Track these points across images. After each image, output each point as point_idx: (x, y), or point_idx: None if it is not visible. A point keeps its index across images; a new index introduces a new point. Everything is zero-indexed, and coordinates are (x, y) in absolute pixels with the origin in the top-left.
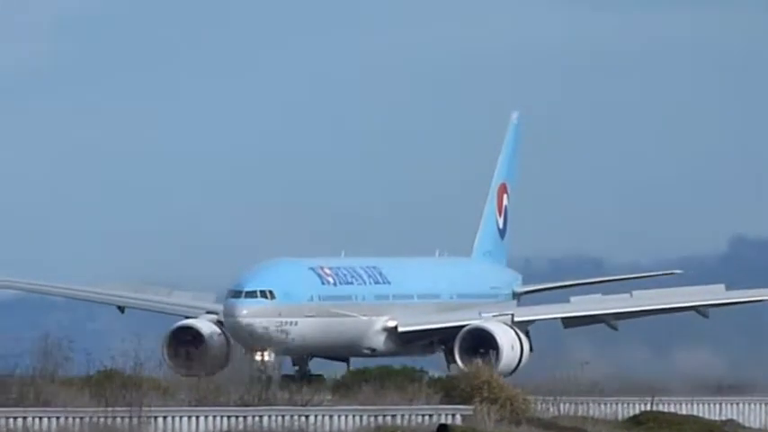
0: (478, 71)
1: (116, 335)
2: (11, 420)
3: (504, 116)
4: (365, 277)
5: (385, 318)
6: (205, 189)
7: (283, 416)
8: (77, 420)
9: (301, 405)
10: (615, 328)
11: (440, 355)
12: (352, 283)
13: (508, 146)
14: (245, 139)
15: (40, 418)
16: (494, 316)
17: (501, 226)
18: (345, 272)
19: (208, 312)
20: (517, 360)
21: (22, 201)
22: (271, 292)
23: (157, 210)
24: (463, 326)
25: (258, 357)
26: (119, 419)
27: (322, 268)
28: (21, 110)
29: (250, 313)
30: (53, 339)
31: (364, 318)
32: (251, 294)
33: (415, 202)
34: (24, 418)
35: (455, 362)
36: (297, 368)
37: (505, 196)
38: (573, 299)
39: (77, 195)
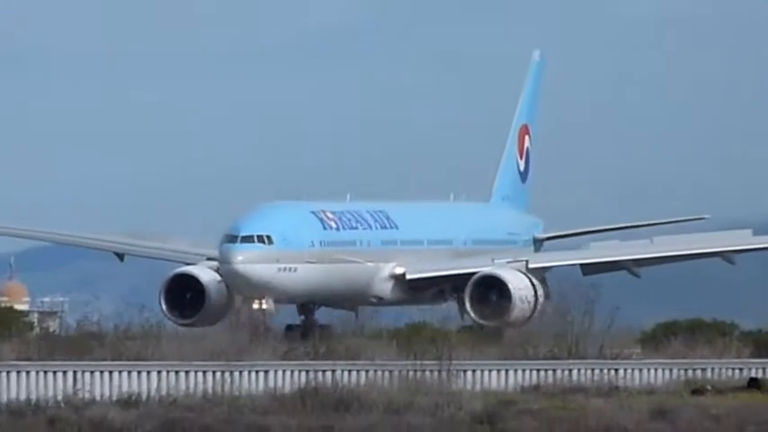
0: (499, 5)
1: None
2: (320, 374)
3: (527, 54)
4: (371, 222)
5: (392, 264)
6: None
7: (593, 369)
8: (386, 374)
9: (611, 359)
10: (637, 275)
11: (452, 304)
12: (356, 228)
13: (530, 85)
14: (245, 80)
15: (349, 371)
16: (507, 262)
17: (522, 169)
18: (350, 216)
19: (209, 259)
20: (531, 308)
21: (21, 149)
22: (268, 236)
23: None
24: (474, 273)
25: (256, 306)
26: (427, 373)
27: (324, 212)
28: None
29: (246, 259)
30: None
31: (370, 264)
32: (247, 239)
33: (430, 143)
34: (333, 371)
35: (466, 311)
36: (302, 318)
37: (527, 138)
38: (592, 244)
39: (75, 144)
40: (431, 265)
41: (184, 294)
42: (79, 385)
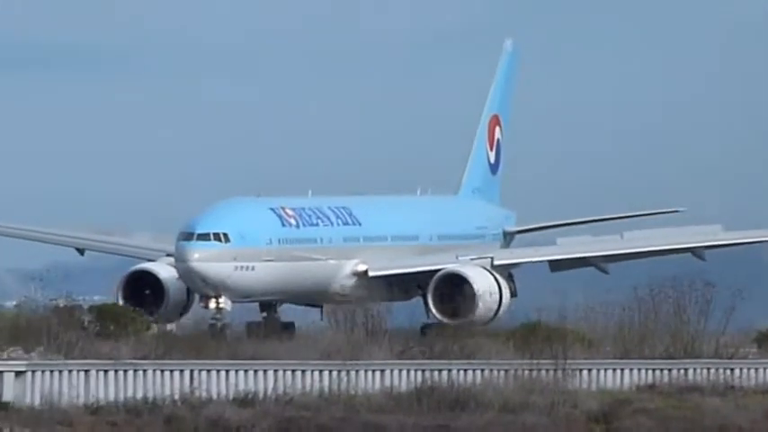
0: None
1: (543, 288)
2: (435, 373)
3: (497, 44)
4: (333, 218)
5: (354, 261)
6: (175, 128)
7: (708, 369)
8: (502, 373)
9: (727, 358)
10: (606, 272)
11: (419, 301)
12: (317, 224)
13: (501, 75)
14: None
15: (465, 370)
16: (471, 259)
17: (492, 161)
18: (310, 212)
19: (168, 255)
20: (496, 306)
21: None
22: (225, 234)
23: (121, 146)
24: (438, 270)
25: (213, 305)
26: (543, 372)
27: (283, 209)
28: None
29: (202, 257)
30: None
31: (332, 262)
32: (203, 237)
33: (396, 136)
34: (449, 370)
35: (429, 309)
36: (264, 315)
37: (498, 129)
38: (559, 240)
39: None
40: (394, 261)
41: (143, 291)
42: (196, 384)
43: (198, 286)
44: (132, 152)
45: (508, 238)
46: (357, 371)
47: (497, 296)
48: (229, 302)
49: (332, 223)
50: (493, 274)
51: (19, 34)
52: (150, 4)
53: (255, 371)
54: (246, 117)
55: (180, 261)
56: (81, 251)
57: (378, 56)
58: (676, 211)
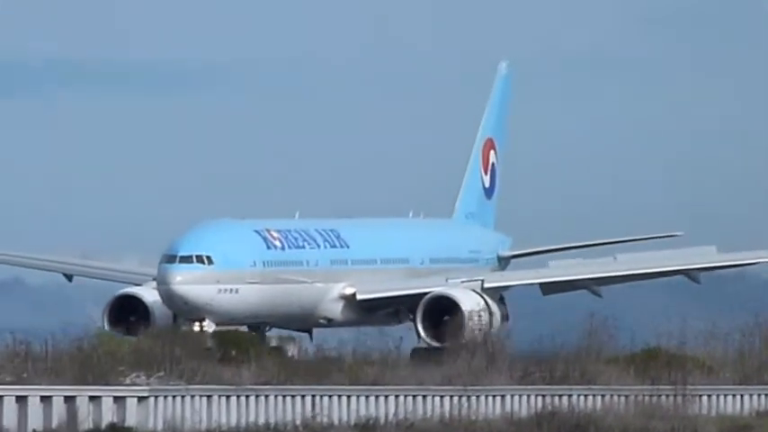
0: (463, 14)
1: (659, 312)
2: (556, 398)
3: (492, 65)
4: (320, 241)
5: (342, 285)
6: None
7: None
8: (622, 398)
9: None
10: (599, 295)
11: (410, 325)
12: (303, 247)
13: (495, 98)
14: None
15: (585, 395)
16: (462, 282)
17: (487, 185)
18: (297, 235)
19: (155, 279)
20: (485, 330)
21: None
22: (208, 257)
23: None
24: (427, 293)
25: (197, 328)
26: (663, 397)
27: (268, 231)
28: None
29: (184, 280)
30: (598, 318)
31: (319, 285)
32: (186, 259)
33: (389, 158)
34: (569, 395)
35: (418, 332)
36: None
37: (492, 152)
38: (551, 263)
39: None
40: (383, 285)
41: (129, 316)
42: (317, 409)
43: (180, 309)
44: (121, 173)
45: (503, 263)
46: (478, 396)
47: (487, 319)
48: (213, 326)
49: (319, 246)
50: (483, 297)
51: None
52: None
53: (377, 396)
54: (239, 138)
55: (162, 284)
56: (69, 277)
57: (370, 74)
58: (674, 236)
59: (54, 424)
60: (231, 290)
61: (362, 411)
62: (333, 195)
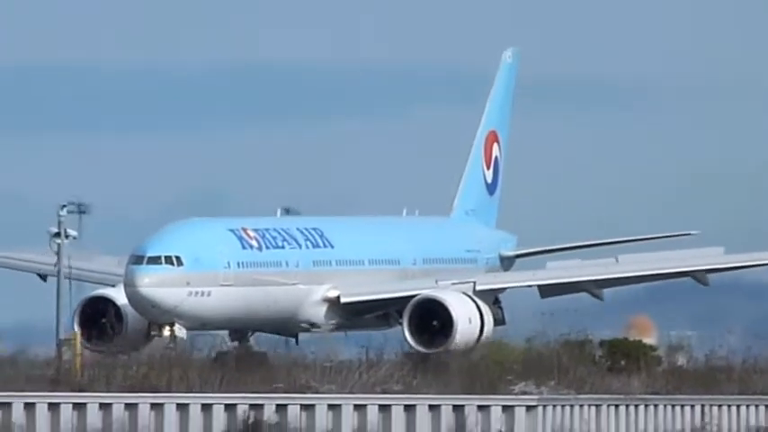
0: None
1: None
2: None
3: (496, 53)
4: (301, 240)
5: (326, 287)
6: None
7: None
8: None
9: None
10: (600, 298)
11: (399, 330)
12: (282, 247)
13: (499, 88)
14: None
15: None
16: (453, 284)
17: (489, 180)
18: (275, 234)
19: None
20: (476, 335)
21: None
22: (177, 257)
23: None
24: (415, 296)
25: (167, 333)
26: None
27: (245, 230)
28: None
29: (152, 282)
30: None
31: (301, 286)
32: (154, 260)
33: (382, 153)
34: None
35: (404, 337)
36: (235, 344)
37: (495, 146)
38: (549, 264)
39: None
40: (369, 287)
41: (101, 318)
42: (707, 419)
43: (148, 313)
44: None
45: (506, 263)
46: None
47: (478, 323)
48: (184, 330)
49: (300, 245)
50: (474, 300)
51: None
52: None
53: (767, 406)
54: (228, 130)
55: (129, 286)
56: (43, 277)
57: (364, 60)
58: (689, 234)
59: None
60: (202, 292)
61: (752, 421)
62: (321, 192)
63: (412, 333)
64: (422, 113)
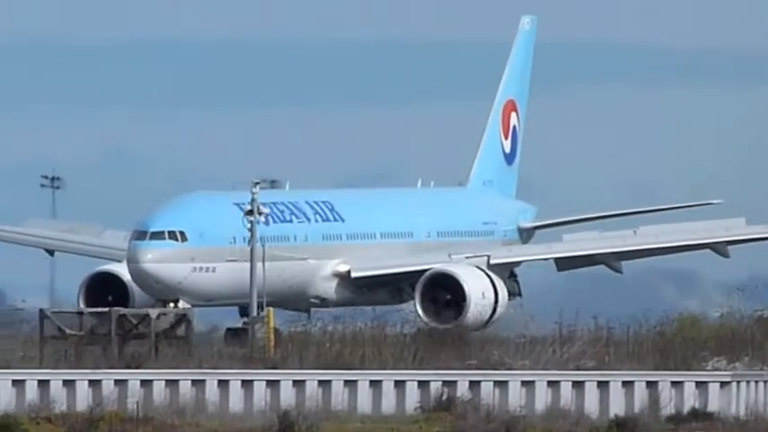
0: None
1: None
2: None
3: (514, 21)
4: (310, 214)
5: (336, 261)
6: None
7: None
8: None
9: None
10: (619, 271)
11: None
12: (290, 220)
13: (517, 56)
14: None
15: None
16: (466, 257)
17: (507, 150)
18: (283, 207)
19: None
20: (490, 310)
21: None
22: (181, 232)
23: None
24: (427, 270)
25: (171, 308)
26: None
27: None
28: None
29: (155, 257)
30: None
31: (311, 261)
32: (157, 235)
33: (396, 122)
34: None
35: (416, 312)
36: (244, 320)
37: (514, 115)
38: (565, 236)
39: None
40: (380, 261)
41: (107, 295)
42: None
43: (152, 289)
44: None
45: (525, 235)
46: None
47: (492, 298)
48: (188, 306)
49: (309, 219)
50: (488, 274)
51: None
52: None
53: None
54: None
55: (132, 262)
56: (51, 252)
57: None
58: (711, 204)
59: (636, 408)
60: (207, 268)
61: None
62: (335, 163)
63: (424, 308)
64: (439, 83)
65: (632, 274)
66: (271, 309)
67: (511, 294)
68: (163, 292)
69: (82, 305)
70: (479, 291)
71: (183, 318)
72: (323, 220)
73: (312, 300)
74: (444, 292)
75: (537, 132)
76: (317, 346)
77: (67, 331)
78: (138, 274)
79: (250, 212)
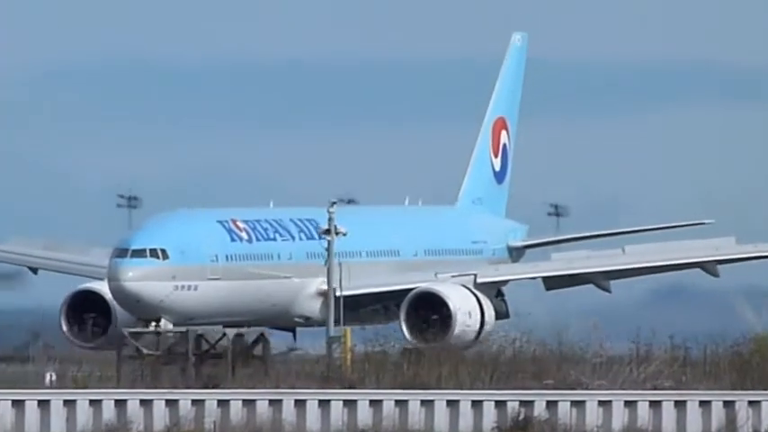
0: None
1: None
2: None
3: (505, 37)
4: (294, 232)
5: (320, 280)
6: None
7: None
8: None
9: None
10: (607, 290)
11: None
12: (274, 239)
13: (508, 72)
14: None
15: None
16: (453, 276)
17: (498, 168)
18: (267, 225)
19: None
20: (476, 329)
21: None
22: (163, 250)
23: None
24: (413, 289)
25: (152, 327)
26: None
27: (234, 221)
28: None
29: (136, 276)
30: None
31: (295, 280)
32: (138, 253)
33: (385, 139)
34: None
35: (402, 331)
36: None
37: (504, 133)
38: (554, 255)
39: None
40: (366, 280)
41: (90, 313)
42: None
43: (133, 308)
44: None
45: (515, 254)
46: None
47: (478, 317)
48: (170, 326)
49: (293, 237)
50: (474, 293)
51: None
52: None
53: None
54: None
55: (113, 280)
56: (34, 270)
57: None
58: (702, 224)
59: (713, 428)
60: (189, 286)
61: None
62: (324, 181)
63: (410, 327)
64: (428, 100)
65: (709, 290)
66: (348, 328)
67: (498, 314)
68: (144, 311)
69: (64, 326)
70: (465, 310)
71: (260, 337)
72: (307, 238)
73: (296, 319)
74: (430, 311)
75: (527, 150)
76: (395, 366)
77: (144, 351)
78: (118, 292)
79: (327, 231)
